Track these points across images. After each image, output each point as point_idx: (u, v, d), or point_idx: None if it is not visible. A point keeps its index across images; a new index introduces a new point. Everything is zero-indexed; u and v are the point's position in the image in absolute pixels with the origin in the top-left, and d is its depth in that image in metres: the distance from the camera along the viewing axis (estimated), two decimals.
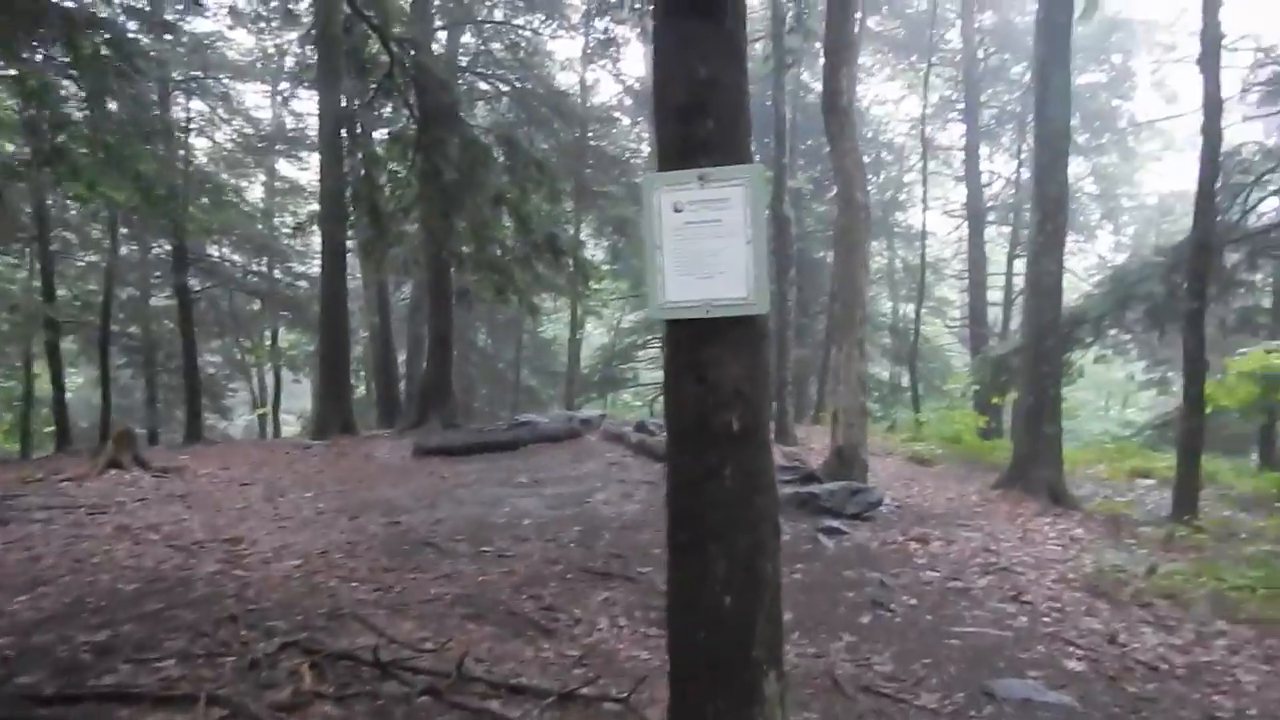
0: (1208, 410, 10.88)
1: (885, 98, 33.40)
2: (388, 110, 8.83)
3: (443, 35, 20.27)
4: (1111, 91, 28.67)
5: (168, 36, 18.20)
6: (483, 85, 19.10)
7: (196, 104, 20.78)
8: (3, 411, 22.13)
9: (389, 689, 3.82)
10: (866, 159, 14.78)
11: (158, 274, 20.57)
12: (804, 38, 17.06)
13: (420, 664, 4.17)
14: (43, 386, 18.38)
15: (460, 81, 17.54)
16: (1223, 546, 8.15)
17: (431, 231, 9.45)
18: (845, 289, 10.45)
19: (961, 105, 28.70)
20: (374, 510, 8.36)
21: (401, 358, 23.36)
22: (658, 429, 12.03)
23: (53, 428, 18.25)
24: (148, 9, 16.33)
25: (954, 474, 12.43)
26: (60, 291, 18.66)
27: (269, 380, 28.03)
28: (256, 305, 23.57)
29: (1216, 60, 9.99)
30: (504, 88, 18.93)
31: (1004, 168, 30.57)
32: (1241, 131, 17.13)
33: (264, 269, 23.90)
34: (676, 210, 2.62)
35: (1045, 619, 5.42)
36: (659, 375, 18.96)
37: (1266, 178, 14.18)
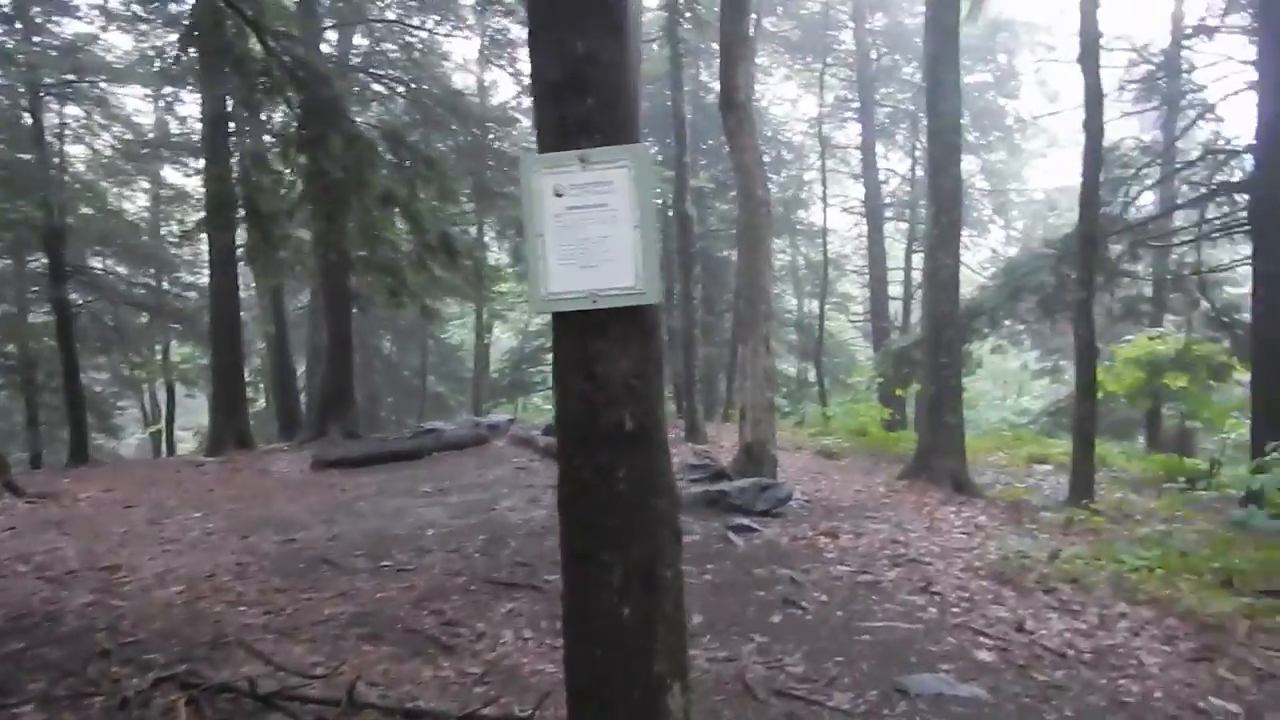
0: (1099, 396, 11.21)
1: (783, 97, 33.98)
2: (274, 112, 8.45)
3: (333, 35, 19.73)
4: (998, 90, 29.71)
5: (36, 39, 17.35)
6: (376, 86, 18.57)
7: (71, 109, 19.76)
8: None
9: None
10: (766, 158, 14.87)
11: (35, 289, 19.48)
12: (698, 30, 17.07)
13: (309, 692, 3.93)
14: None
15: (354, 85, 17.06)
16: (1119, 528, 8.36)
17: (318, 234, 9.08)
18: (749, 286, 10.42)
19: (857, 105, 29.20)
20: (267, 528, 7.98)
21: (301, 368, 22.65)
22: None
23: None
24: (10, 11, 15.46)
25: (861, 466, 12.54)
26: None
27: (161, 396, 26.92)
28: (144, 318, 22.51)
29: (1095, 58, 10.32)
30: (399, 89, 18.46)
31: (899, 165, 31.41)
32: (1120, 127, 17.94)
33: (151, 280, 22.89)
34: (557, 194, 2.43)
35: (954, 609, 5.39)
36: None
37: (1144, 172, 14.74)
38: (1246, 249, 12.38)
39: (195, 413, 29.68)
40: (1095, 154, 10.40)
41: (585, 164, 2.39)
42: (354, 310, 17.64)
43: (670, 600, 2.49)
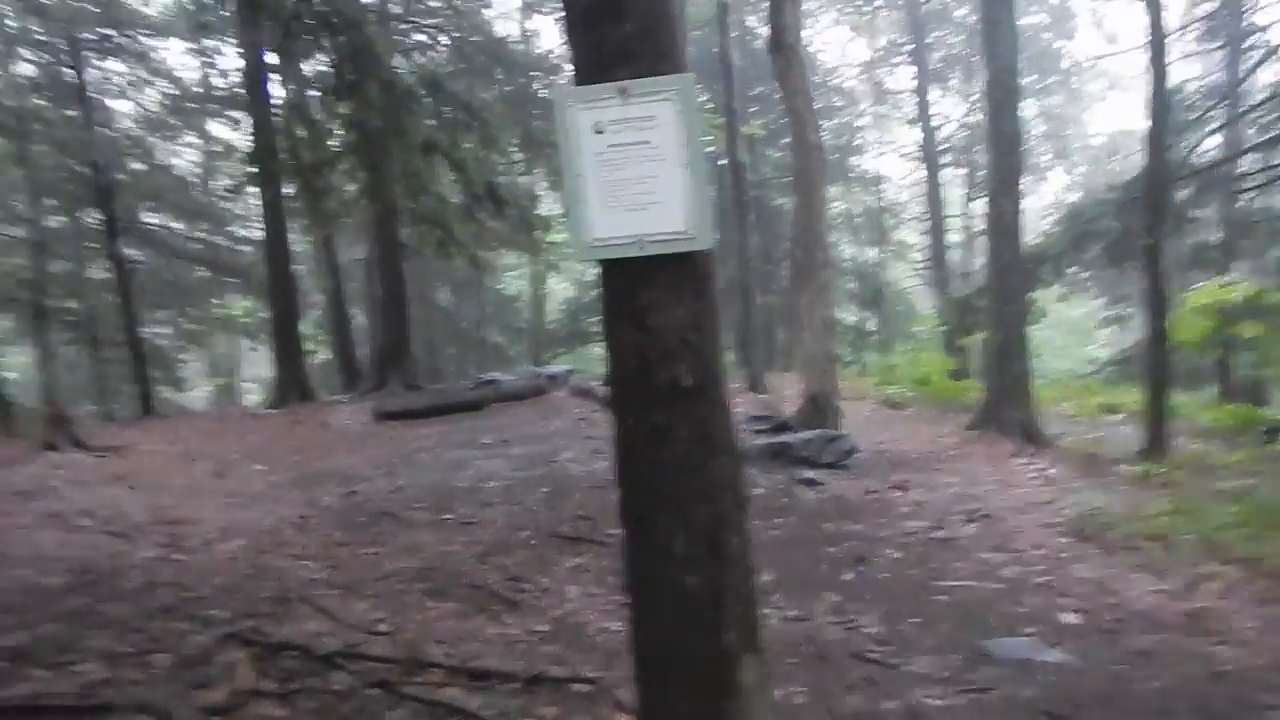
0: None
1: (833, 42, 33.28)
2: (312, 61, 8.31)
3: None
4: (1054, 32, 28.75)
5: None
6: (418, 35, 18.28)
7: (113, 64, 19.60)
8: None
9: (337, 680, 3.48)
10: (817, 104, 14.41)
11: (93, 245, 19.73)
12: None
13: (373, 650, 3.84)
14: None
15: (394, 34, 16.84)
16: (1198, 482, 8.00)
17: (363, 185, 8.97)
18: (805, 232, 10.19)
19: (909, 48, 28.43)
20: (329, 480, 8.00)
21: (361, 321, 22.80)
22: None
23: None
24: None
25: (926, 417, 12.28)
26: None
27: (225, 350, 27.32)
28: (201, 273, 22.75)
29: None
30: (440, 38, 18.16)
31: (954, 110, 30.47)
32: (1181, 69, 17.13)
33: (206, 235, 23.08)
34: (597, 132, 2.19)
35: (1034, 568, 5.18)
36: None
37: (1209, 115, 14.08)
38: None
39: (260, 365, 30.12)
40: (1161, 94, 9.92)
41: (625, 97, 2.15)
42: (408, 263, 17.61)
43: (738, 568, 2.31)
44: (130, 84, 20.32)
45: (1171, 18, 15.23)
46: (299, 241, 19.36)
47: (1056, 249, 15.46)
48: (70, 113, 17.36)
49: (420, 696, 3.35)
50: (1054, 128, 31.29)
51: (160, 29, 19.29)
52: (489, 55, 17.72)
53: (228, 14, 12.67)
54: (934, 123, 28.34)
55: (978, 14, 14.77)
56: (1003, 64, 10.95)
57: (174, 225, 22.44)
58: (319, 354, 25.81)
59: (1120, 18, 33.70)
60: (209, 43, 20.70)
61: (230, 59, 21.02)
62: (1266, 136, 13.17)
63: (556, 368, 18.12)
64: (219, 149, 24.06)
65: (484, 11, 20.80)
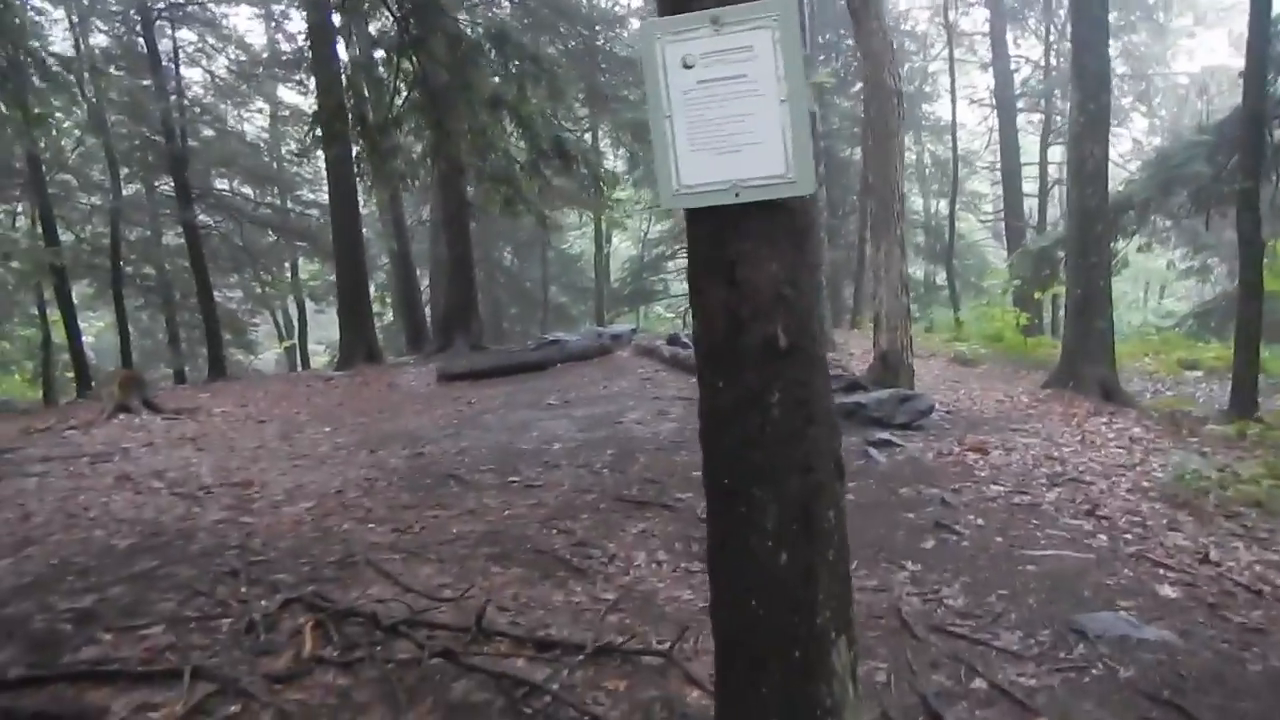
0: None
1: None
2: (376, 18, 8.20)
3: None
4: None
5: None
6: None
7: (184, 33, 20.06)
8: (25, 360, 22.02)
9: (401, 649, 3.42)
10: None
11: (166, 211, 20.12)
12: None
13: (438, 617, 3.77)
14: (60, 333, 18.14)
15: None
16: None
17: (430, 143, 8.86)
18: (881, 183, 9.81)
19: None
20: (395, 442, 7.98)
21: (426, 282, 22.95)
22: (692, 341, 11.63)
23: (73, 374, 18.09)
24: None
25: (999, 374, 11.90)
26: (65, 236, 18.29)
27: (294, 312, 27.77)
28: (271, 237, 23.08)
29: None
30: None
31: (1032, 52, 29.15)
32: None
33: (275, 200, 23.39)
34: (686, 66, 1.98)
35: (1126, 536, 4.89)
36: None
37: None
38: None
39: (327, 328, 30.53)
40: (1261, 21, 9.20)
41: (718, 26, 1.95)
42: (473, 223, 17.56)
43: (833, 544, 2.14)
44: (200, 51, 20.61)
45: None
46: (366, 204, 19.46)
47: (1142, 195, 14.72)
48: (144, 82, 17.59)
49: (485, 668, 3.27)
50: (1135, 67, 29.60)
51: None
52: (553, 9, 17.48)
53: None
54: (1010, 65, 27.11)
55: None
56: None
57: (244, 190, 22.79)
58: (385, 316, 26.08)
59: None
60: (276, 6, 20.77)
61: (296, 22, 21.19)
62: None
63: (620, 327, 18.05)
64: (286, 113, 24.27)
65: None
